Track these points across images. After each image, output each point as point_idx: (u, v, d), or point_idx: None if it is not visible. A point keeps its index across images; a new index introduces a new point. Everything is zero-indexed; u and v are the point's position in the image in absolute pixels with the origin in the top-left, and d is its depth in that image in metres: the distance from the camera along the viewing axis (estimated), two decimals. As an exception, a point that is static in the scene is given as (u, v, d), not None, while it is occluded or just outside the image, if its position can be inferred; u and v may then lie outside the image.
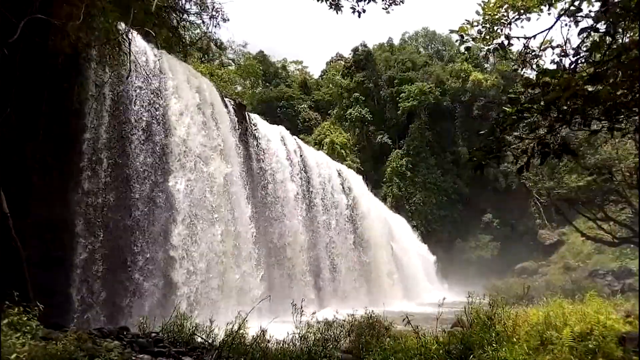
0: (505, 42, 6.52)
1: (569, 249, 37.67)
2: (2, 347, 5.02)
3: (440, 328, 7.30)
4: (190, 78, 17.93)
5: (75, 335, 6.04)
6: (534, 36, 6.44)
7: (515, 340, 6.56)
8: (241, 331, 7.21)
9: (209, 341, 8.02)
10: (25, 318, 5.89)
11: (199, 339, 8.22)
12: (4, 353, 4.95)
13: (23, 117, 10.22)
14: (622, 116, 4.24)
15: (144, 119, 15.07)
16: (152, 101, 15.50)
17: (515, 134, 4.66)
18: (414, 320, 6.93)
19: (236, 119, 20.69)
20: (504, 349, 6.07)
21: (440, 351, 6.26)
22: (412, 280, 32.53)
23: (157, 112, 15.58)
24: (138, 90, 15.06)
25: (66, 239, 12.22)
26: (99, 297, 12.55)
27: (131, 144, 14.51)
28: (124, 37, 11.36)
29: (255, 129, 23.06)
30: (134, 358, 6.62)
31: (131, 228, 13.95)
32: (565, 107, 4.00)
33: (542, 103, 4.07)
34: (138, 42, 15.13)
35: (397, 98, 47.95)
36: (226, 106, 20.09)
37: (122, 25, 11.34)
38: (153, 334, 8.30)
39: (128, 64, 12.02)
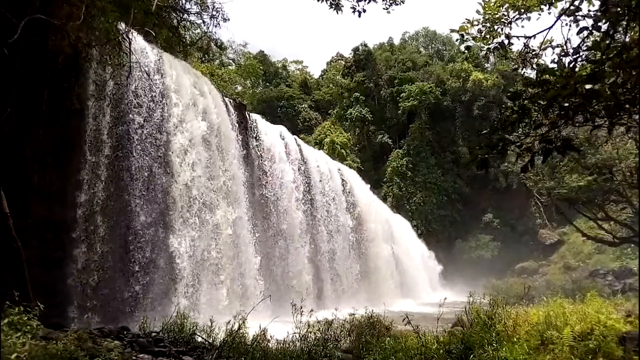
0: (506, 42, 6.52)
1: (569, 249, 37.64)
2: (2, 347, 5.02)
3: (441, 328, 7.28)
4: (197, 99, 16.53)
5: (76, 335, 6.05)
6: (534, 35, 6.45)
7: (515, 339, 6.55)
8: (241, 331, 7.21)
9: (210, 341, 8.02)
10: (26, 318, 5.90)
11: (200, 339, 8.22)
12: (5, 352, 4.95)
13: (23, 117, 10.21)
14: (624, 114, 4.22)
15: (145, 165, 14.03)
16: (153, 140, 14.41)
17: (516, 134, 4.65)
18: (414, 320, 6.92)
19: (241, 137, 19.47)
20: (504, 349, 6.06)
21: (441, 351, 6.25)
22: (412, 280, 32.42)
23: (159, 152, 14.52)
24: (140, 131, 14.13)
25: (66, 239, 12.22)
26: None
27: (133, 199, 13.58)
28: (124, 37, 11.35)
29: (258, 144, 21.33)
30: (134, 358, 6.63)
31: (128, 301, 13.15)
32: (566, 104, 3.99)
33: (542, 102, 4.07)
34: (143, 59, 14.37)
35: (398, 98, 47.90)
36: (232, 126, 18.75)
37: (122, 25, 11.33)
38: (153, 334, 8.31)
39: (129, 64, 12.02)
